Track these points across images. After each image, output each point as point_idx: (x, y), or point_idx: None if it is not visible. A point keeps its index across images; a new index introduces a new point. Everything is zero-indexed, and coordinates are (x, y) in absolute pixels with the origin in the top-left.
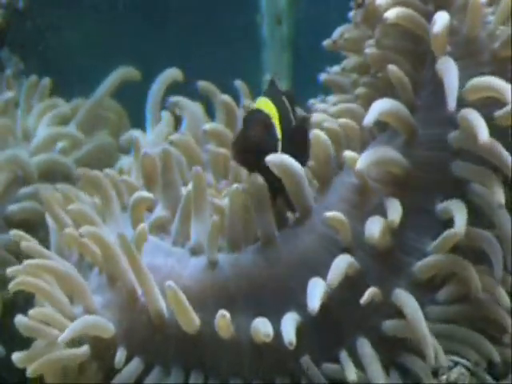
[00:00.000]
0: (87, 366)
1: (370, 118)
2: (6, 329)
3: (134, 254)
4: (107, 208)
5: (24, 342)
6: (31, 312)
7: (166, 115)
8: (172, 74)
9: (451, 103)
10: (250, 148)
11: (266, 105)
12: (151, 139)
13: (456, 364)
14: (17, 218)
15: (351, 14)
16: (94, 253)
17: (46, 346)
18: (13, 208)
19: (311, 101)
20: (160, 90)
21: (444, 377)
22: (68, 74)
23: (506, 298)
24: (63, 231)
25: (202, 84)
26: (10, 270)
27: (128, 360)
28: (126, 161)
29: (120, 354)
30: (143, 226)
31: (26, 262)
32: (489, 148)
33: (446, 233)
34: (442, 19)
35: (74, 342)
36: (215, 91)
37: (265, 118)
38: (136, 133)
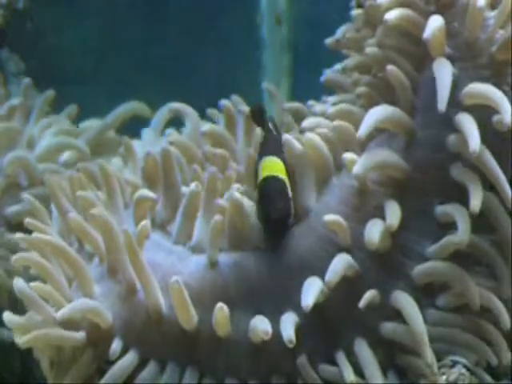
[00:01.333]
0: (82, 354)
1: (364, 129)
2: None
3: (135, 249)
4: (110, 202)
5: None
6: (33, 284)
7: (170, 132)
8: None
9: (441, 105)
10: (281, 222)
11: (274, 166)
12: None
13: (456, 364)
14: (17, 219)
15: (352, 12)
16: (95, 241)
17: (41, 322)
18: (12, 209)
19: (310, 102)
20: (160, 122)
21: (444, 377)
22: (68, 74)
23: (505, 316)
24: (68, 215)
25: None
26: (18, 236)
27: (123, 352)
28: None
29: (115, 345)
30: (145, 222)
31: (35, 234)
32: (479, 158)
33: (447, 239)
34: (432, 23)
35: (71, 327)
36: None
37: (282, 187)
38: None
